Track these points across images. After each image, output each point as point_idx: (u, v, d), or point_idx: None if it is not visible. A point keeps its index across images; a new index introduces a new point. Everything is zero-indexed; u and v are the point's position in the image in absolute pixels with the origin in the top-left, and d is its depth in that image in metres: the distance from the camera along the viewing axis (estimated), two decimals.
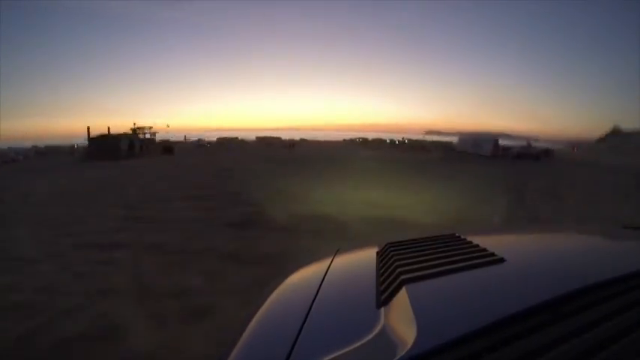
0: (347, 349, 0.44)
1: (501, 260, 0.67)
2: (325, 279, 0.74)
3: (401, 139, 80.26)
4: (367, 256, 0.86)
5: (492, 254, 0.70)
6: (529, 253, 0.84)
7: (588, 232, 1.15)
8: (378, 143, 78.28)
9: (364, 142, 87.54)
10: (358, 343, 0.45)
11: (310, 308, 0.60)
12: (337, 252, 0.95)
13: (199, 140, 75.57)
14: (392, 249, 0.81)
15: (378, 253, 0.85)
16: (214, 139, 78.87)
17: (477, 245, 0.78)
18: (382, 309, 0.55)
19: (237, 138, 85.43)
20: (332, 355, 0.43)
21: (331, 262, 0.86)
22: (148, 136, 42.41)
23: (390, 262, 0.72)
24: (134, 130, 40.99)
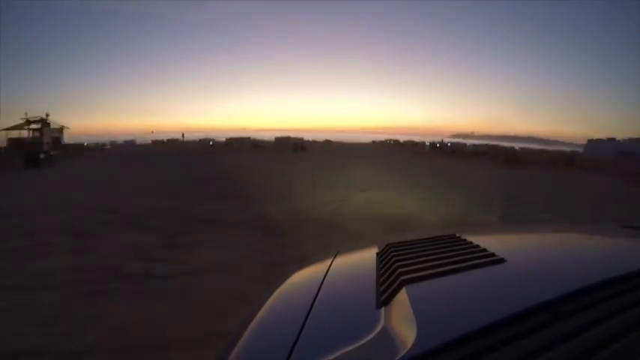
0: (347, 350, 0.44)
1: (501, 260, 0.67)
2: (326, 279, 0.74)
3: (441, 141, 67.08)
4: (367, 256, 0.85)
5: (492, 254, 0.70)
6: (529, 253, 0.84)
7: (588, 232, 1.13)
8: (413, 146, 65.57)
9: (396, 145, 75.12)
10: (358, 344, 0.45)
11: (311, 309, 0.59)
12: (337, 253, 0.94)
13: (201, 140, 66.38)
14: (392, 249, 0.81)
15: (378, 253, 0.84)
16: (223, 139, 70.31)
17: (477, 245, 0.77)
18: (382, 309, 0.55)
19: (249, 138, 77.07)
20: (332, 356, 0.43)
21: (331, 262, 0.86)
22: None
23: (390, 262, 0.72)
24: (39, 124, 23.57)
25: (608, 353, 0.39)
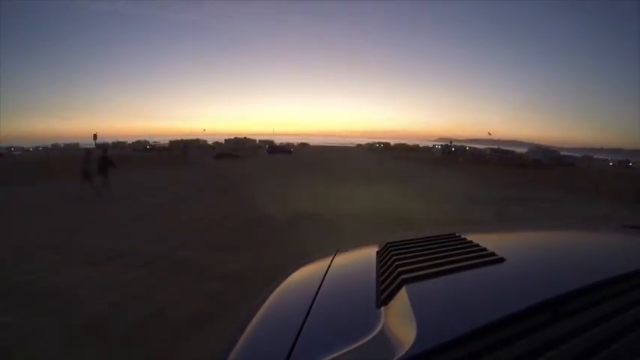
0: (347, 349, 0.44)
1: (501, 260, 0.67)
2: (325, 278, 0.73)
3: (449, 144, 50.95)
4: (367, 255, 0.85)
5: (492, 254, 0.69)
6: (529, 252, 0.83)
7: (588, 232, 1.11)
8: (407, 150, 50.08)
9: (387, 149, 59.12)
10: (358, 343, 0.45)
11: (310, 308, 0.59)
12: (337, 251, 0.93)
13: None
14: (392, 248, 0.80)
15: (378, 252, 0.84)
16: (167, 142, 58.31)
17: (477, 245, 0.77)
18: (382, 309, 0.54)
19: (198, 140, 61.54)
20: (332, 355, 0.43)
21: (331, 261, 0.85)
22: None
23: (390, 261, 0.72)
24: None
25: (607, 353, 0.38)
